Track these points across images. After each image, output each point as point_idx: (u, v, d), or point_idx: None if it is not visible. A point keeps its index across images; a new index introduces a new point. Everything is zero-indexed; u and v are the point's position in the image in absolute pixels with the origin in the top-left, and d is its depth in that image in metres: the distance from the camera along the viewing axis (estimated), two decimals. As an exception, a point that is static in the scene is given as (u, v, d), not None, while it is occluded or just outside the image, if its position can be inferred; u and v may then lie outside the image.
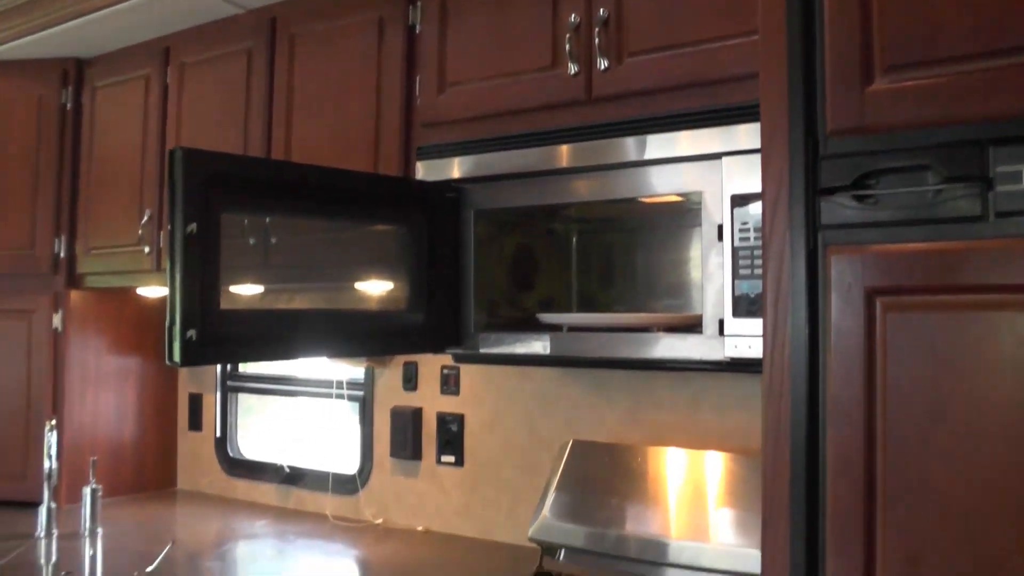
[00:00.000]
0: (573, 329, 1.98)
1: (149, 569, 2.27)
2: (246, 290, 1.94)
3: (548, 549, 2.17)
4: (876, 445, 1.17)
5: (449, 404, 2.65)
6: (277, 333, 1.88)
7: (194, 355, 1.68)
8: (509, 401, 2.53)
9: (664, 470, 2.10)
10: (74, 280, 2.91)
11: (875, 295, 1.19)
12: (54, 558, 2.39)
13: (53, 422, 2.56)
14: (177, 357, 1.65)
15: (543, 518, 2.18)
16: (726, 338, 1.68)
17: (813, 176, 1.25)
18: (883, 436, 1.17)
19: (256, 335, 1.85)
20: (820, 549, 1.22)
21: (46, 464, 2.52)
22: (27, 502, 2.76)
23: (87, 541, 2.53)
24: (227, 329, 1.77)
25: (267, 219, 1.96)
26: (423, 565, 2.35)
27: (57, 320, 2.93)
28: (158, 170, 2.71)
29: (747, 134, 1.65)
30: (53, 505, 2.57)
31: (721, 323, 1.70)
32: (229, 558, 2.42)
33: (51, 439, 2.51)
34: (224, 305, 1.75)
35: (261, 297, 1.99)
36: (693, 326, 1.80)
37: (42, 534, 2.55)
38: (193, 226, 1.66)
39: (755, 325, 1.60)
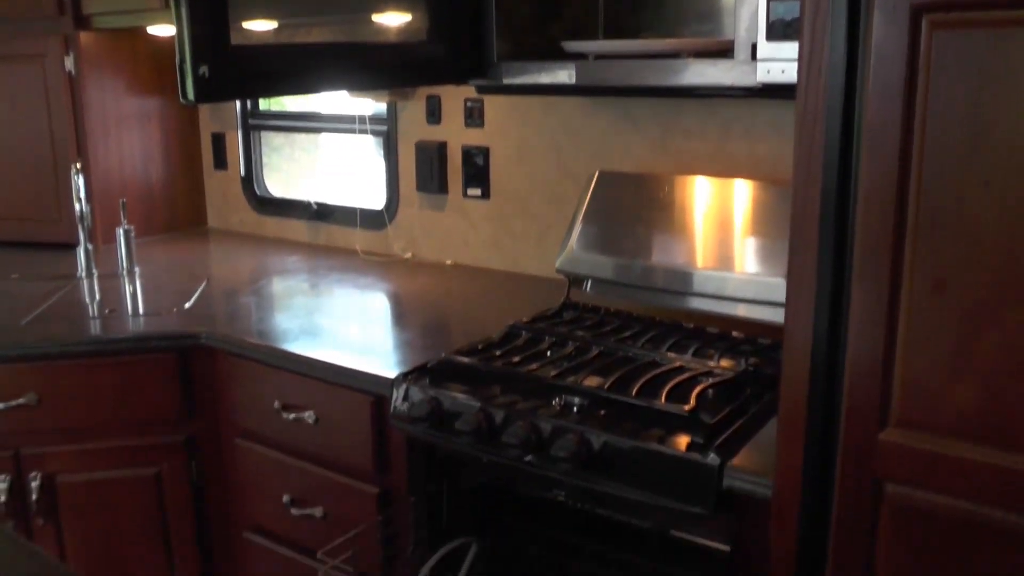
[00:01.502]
0: (600, 57, 1.90)
1: (187, 305, 2.34)
2: (259, 26, 1.87)
3: (575, 280, 2.20)
4: (911, 172, 1.13)
5: (474, 137, 2.61)
6: (293, 67, 1.83)
7: (207, 91, 1.64)
8: (535, 133, 2.48)
9: (691, 200, 2.08)
10: (82, 21, 2.81)
11: (922, 12, 1.10)
12: (97, 297, 2.47)
13: (78, 165, 2.56)
14: (190, 94, 1.61)
15: (570, 250, 2.19)
16: (759, 63, 1.60)
17: None
18: (919, 163, 1.13)
19: (271, 70, 1.80)
20: (846, 278, 1.21)
21: (76, 207, 2.54)
22: (65, 244, 2.82)
23: (126, 280, 2.60)
24: (241, 65, 1.71)
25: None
26: (453, 297, 2.41)
27: (70, 63, 2.86)
28: None
29: None
30: (90, 247, 2.62)
31: (754, 47, 1.61)
32: (264, 293, 2.48)
33: (78, 182, 2.52)
34: (236, 41, 1.69)
35: (276, 32, 1.92)
36: (724, 51, 1.72)
37: (83, 274, 2.62)
38: (194, -44, 1.57)
39: (790, 49, 1.52)
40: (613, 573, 1.74)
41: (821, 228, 1.22)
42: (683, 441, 1.46)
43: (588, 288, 2.18)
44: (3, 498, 2.10)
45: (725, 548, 1.49)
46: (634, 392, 1.58)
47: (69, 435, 2.14)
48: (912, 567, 1.23)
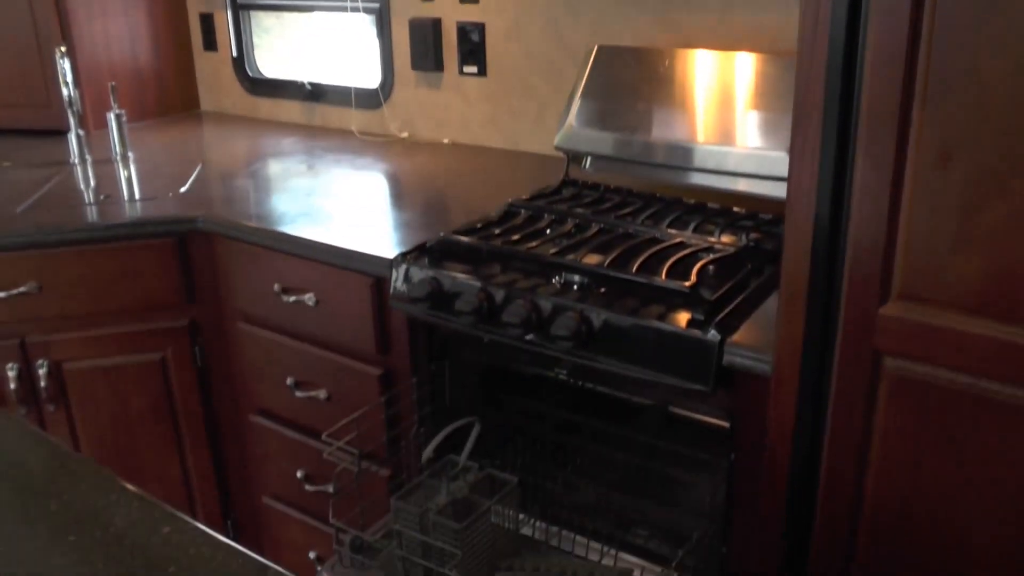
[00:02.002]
0: (596, -77, 1.83)
1: (183, 190, 2.32)
2: None
3: (574, 157, 2.17)
4: (921, 37, 1.10)
5: (469, 13, 2.53)
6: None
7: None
8: (531, 7, 2.41)
9: (692, 74, 2.03)
10: None
11: None
12: (92, 183, 2.45)
13: (63, 48, 2.49)
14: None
15: (569, 126, 2.15)
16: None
17: None
18: (930, 27, 1.09)
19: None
20: (850, 150, 1.19)
21: (64, 92, 2.49)
22: (56, 130, 2.78)
23: (119, 165, 2.57)
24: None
25: None
26: (451, 177, 2.38)
27: (48, -62, 2.76)
28: None
29: None
30: (81, 132, 2.58)
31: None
32: (260, 176, 2.45)
33: (64, 65, 2.46)
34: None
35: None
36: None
37: (75, 161, 2.59)
38: None
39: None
40: (614, 449, 1.76)
41: (826, 99, 1.19)
42: (683, 317, 1.46)
43: (587, 165, 2.15)
44: (13, 386, 2.13)
45: (725, 424, 1.50)
46: (634, 269, 1.58)
47: (73, 322, 2.14)
48: (910, 441, 1.25)
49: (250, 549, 0.97)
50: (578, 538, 1.75)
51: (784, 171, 1.27)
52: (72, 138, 2.57)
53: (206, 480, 2.36)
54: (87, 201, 2.30)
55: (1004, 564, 1.23)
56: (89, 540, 0.98)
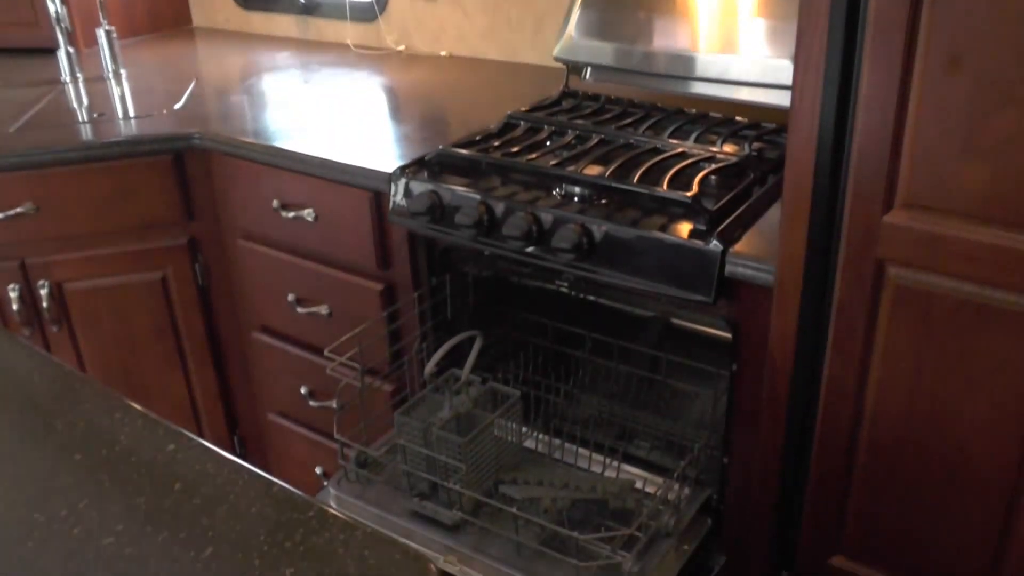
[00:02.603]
0: None
1: (177, 106, 2.29)
2: None
3: (574, 68, 2.13)
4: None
5: (464, -82, 2.46)
6: None
7: None
8: (528, -89, 2.34)
9: (695, -22, 1.98)
10: None
11: None
12: (85, 101, 2.41)
13: (47, -39, 2.44)
14: None
15: (568, 37, 2.11)
16: None
17: None
18: (940, -76, 1.05)
19: None
20: (856, 56, 1.16)
21: (51, 8, 2.44)
22: (45, 48, 2.72)
23: (112, 83, 2.53)
24: None
25: None
26: (449, 90, 2.34)
27: None
28: None
29: None
30: (71, 50, 2.53)
31: None
32: (255, 91, 2.42)
33: (51, -20, 2.41)
34: None
35: None
36: None
37: (67, 79, 2.55)
38: None
39: None
40: (616, 362, 1.77)
41: (832, 3, 1.16)
42: (685, 228, 1.45)
43: (587, 76, 2.11)
44: (16, 307, 2.13)
45: (726, 335, 1.50)
46: (635, 179, 1.56)
47: (71, 243, 2.13)
48: (912, 351, 1.25)
49: (257, 465, 0.98)
50: (580, 450, 1.77)
51: (788, 79, 1.24)
52: (62, 56, 2.53)
53: (211, 398, 2.38)
54: (81, 120, 2.27)
55: (1001, 477, 1.24)
56: (95, 459, 0.99)
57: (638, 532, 1.45)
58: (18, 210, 2.05)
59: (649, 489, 1.66)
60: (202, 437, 1.03)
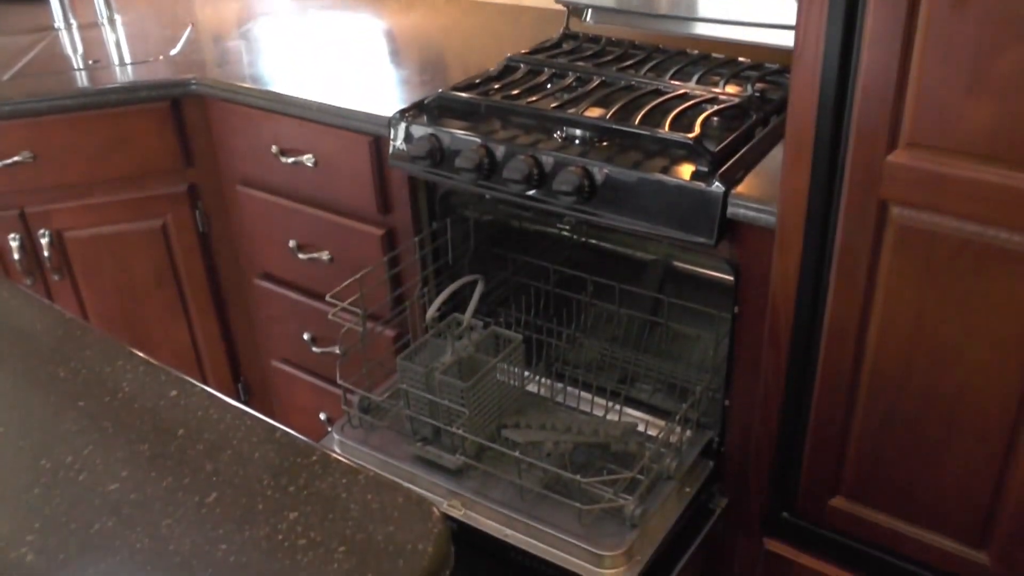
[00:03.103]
0: None
1: (174, 52, 2.26)
2: None
3: (574, 10, 2.09)
4: None
5: None
6: None
7: None
8: None
9: (697, -85, 1.94)
10: None
11: None
12: (80, 48, 2.38)
13: (39, -96, 2.39)
14: None
15: (568, -24, 2.07)
16: None
17: None
18: None
19: None
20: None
21: (43, -49, 2.40)
22: (38, -8, 2.69)
23: (107, 29, 2.50)
24: None
25: None
26: (449, 33, 2.31)
27: None
28: None
29: None
30: (64, -7, 2.50)
31: None
32: (252, 36, 2.38)
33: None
34: None
35: None
36: None
37: (60, 25, 2.51)
38: None
39: None
40: (618, 305, 1.77)
41: (836, -63, 1.13)
42: (687, 170, 1.44)
43: (588, 18, 2.08)
44: (17, 256, 2.12)
45: (728, 277, 1.50)
46: (637, 121, 1.54)
47: (71, 191, 2.12)
48: (914, 290, 1.24)
49: (261, 412, 0.98)
50: (583, 394, 1.78)
51: (791, 18, 1.22)
52: (55, 2, 2.49)
53: (214, 345, 2.38)
54: (76, 67, 2.24)
55: (1001, 418, 1.25)
56: (98, 405, 0.99)
57: (640, 475, 1.46)
58: (15, 159, 2.04)
59: (651, 432, 1.67)
60: (206, 384, 1.03)
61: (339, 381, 1.65)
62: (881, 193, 1.21)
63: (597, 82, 1.76)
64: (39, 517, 0.84)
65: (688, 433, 1.62)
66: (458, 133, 1.65)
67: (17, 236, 2.11)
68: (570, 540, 1.43)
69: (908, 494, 1.39)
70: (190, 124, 2.12)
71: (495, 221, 1.98)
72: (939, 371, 1.27)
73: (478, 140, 1.62)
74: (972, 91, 1.10)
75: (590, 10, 2.07)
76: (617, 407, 1.74)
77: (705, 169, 1.42)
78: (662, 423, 1.68)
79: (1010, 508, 1.30)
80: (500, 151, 1.60)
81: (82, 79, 2.14)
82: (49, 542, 0.81)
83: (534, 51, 1.97)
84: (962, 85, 1.10)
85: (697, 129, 1.50)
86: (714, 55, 1.88)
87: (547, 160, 1.54)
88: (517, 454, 1.50)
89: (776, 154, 1.50)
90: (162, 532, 0.82)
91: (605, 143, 1.55)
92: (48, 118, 2.03)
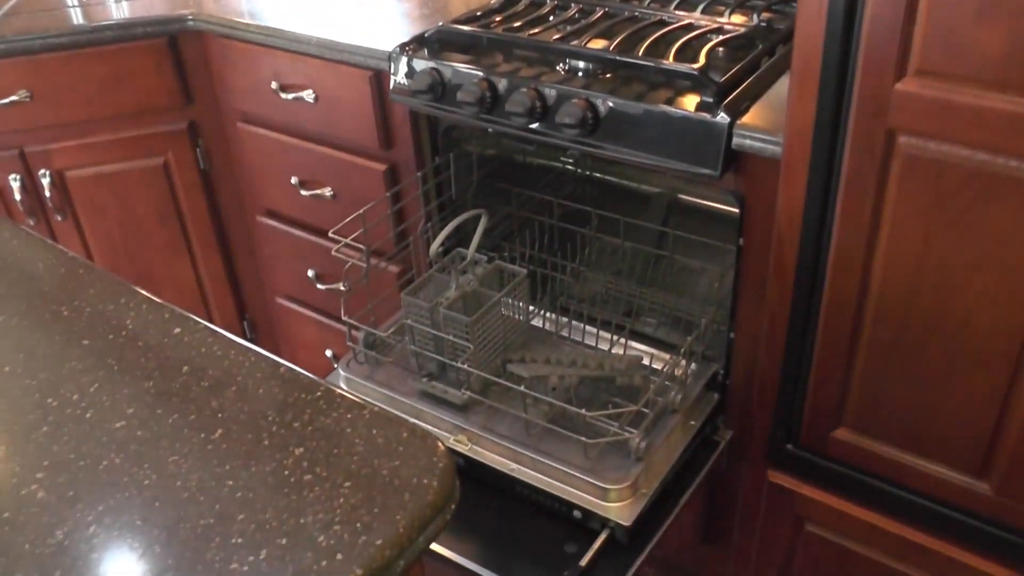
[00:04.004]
0: None
1: (169, -13, 2.22)
2: None
3: (577, -64, 2.05)
4: None
5: None
6: None
7: None
8: None
9: None
10: None
11: None
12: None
13: None
14: None
15: (570, -98, 2.02)
16: None
17: None
18: None
19: None
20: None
21: None
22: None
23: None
24: None
25: None
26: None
27: None
28: None
29: None
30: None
31: None
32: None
33: None
34: None
35: None
36: None
37: (54, -41, 2.47)
38: None
39: None
40: (623, 238, 1.76)
41: None
42: (692, 101, 1.42)
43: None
44: (19, 197, 2.12)
45: (733, 210, 1.49)
46: (640, 52, 1.52)
47: (70, 130, 2.11)
48: (920, 223, 1.23)
49: (267, 349, 0.98)
50: (588, 328, 1.78)
51: (799, -60, 1.19)
52: (48, -66, 2.45)
53: (219, 283, 2.38)
54: (69, 3, 2.21)
55: (1006, 349, 1.25)
56: (102, 343, 0.99)
57: (645, 408, 1.46)
58: (12, 98, 2.02)
59: (656, 365, 1.68)
60: (212, 323, 1.03)
61: (344, 317, 1.65)
62: (889, 122, 1.19)
63: (600, 13, 1.73)
64: (48, 455, 0.85)
65: (693, 366, 1.62)
66: (459, 67, 1.63)
67: (18, 176, 2.10)
68: (576, 474, 1.44)
69: (911, 425, 1.40)
70: (188, 61, 2.09)
71: (498, 155, 1.96)
72: (944, 300, 1.27)
73: (480, 73, 1.60)
74: (984, 16, 1.07)
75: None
76: (622, 341, 1.74)
77: (710, 100, 1.40)
78: (667, 356, 1.68)
79: (1013, 437, 1.30)
80: (502, 84, 1.58)
81: (77, 16, 2.11)
82: (59, 479, 0.82)
83: (536, -19, 1.94)
84: (972, 10, 1.08)
85: (702, 60, 1.47)
86: (719, -17, 1.85)
87: (550, 93, 1.52)
88: (522, 388, 1.51)
89: (782, 85, 1.47)
90: (169, 469, 0.82)
91: (609, 75, 1.53)
92: (44, 56, 2.01)
